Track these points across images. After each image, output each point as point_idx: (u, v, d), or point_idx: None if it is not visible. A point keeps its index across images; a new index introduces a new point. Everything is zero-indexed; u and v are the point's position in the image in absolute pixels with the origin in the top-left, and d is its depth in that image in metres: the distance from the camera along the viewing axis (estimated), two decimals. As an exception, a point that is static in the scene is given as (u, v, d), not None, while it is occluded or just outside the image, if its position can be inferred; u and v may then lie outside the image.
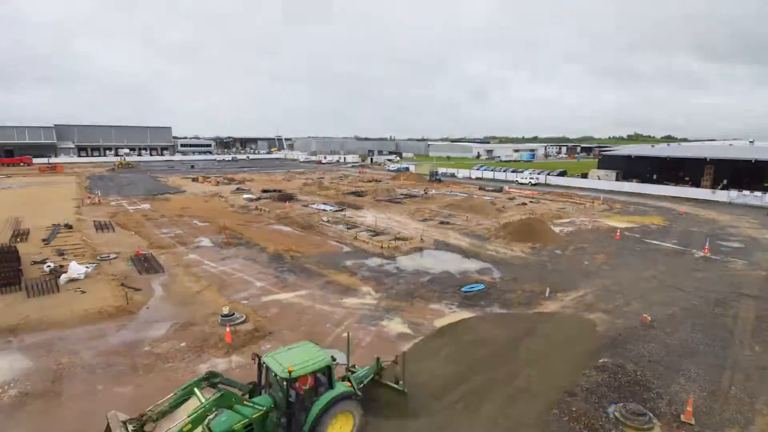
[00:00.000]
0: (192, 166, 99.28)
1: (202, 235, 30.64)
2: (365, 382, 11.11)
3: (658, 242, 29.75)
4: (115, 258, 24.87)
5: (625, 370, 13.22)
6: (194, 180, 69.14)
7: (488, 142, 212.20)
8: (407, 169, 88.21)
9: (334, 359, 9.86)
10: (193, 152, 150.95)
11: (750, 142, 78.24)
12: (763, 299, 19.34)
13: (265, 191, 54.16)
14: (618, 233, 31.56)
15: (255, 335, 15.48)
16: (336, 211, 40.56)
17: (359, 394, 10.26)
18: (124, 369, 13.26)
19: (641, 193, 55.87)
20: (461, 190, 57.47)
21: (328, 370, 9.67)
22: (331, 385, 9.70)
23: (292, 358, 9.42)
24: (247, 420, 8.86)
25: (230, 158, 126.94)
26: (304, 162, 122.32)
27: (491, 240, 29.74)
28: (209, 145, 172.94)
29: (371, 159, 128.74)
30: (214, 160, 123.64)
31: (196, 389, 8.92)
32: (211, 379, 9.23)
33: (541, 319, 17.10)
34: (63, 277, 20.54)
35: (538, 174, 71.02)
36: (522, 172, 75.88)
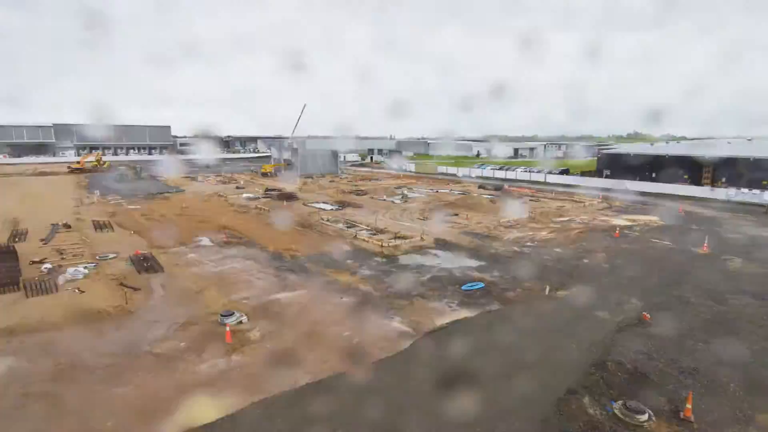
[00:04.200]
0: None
1: (202, 235, 30.59)
2: None
3: (657, 240, 29.78)
4: (114, 258, 24.83)
5: (625, 368, 13.23)
6: (193, 179, 69.13)
7: (488, 141, 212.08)
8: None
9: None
10: (191, 152, 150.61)
11: (748, 140, 78.27)
12: (761, 297, 19.37)
13: (267, 190, 54.15)
14: (617, 231, 31.59)
15: (255, 334, 15.47)
16: (336, 209, 40.56)
17: None
18: (123, 369, 13.24)
19: (641, 191, 55.90)
20: (460, 189, 57.48)
21: None
22: None
23: None
24: None
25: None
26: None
27: (491, 238, 29.75)
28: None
29: (371, 158, 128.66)
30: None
31: None
32: None
33: (540, 316, 17.12)
34: (61, 278, 20.52)
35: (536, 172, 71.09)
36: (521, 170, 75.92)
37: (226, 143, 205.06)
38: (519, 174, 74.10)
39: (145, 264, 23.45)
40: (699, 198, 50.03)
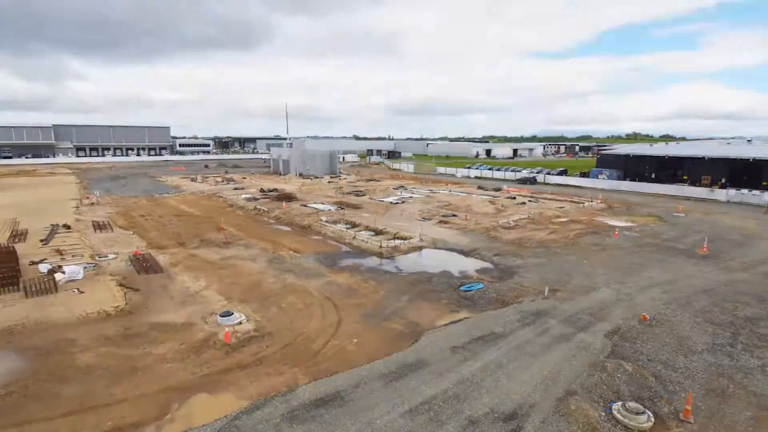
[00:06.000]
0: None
1: (201, 235, 30.60)
2: None
3: (656, 241, 29.80)
4: (113, 258, 24.83)
5: (624, 369, 13.23)
6: (193, 180, 69.16)
7: (487, 141, 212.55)
8: None
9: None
10: (192, 153, 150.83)
11: (747, 140, 78.40)
12: (760, 297, 19.39)
13: (264, 191, 54.14)
14: (616, 232, 31.61)
15: (254, 335, 15.48)
16: (335, 210, 40.55)
17: None
18: (122, 370, 13.23)
19: (640, 191, 55.97)
20: (459, 190, 57.52)
21: None
22: None
23: None
24: None
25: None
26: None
27: (491, 239, 29.76)
28: (207, 145, 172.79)
29: (370, 159, 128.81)
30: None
31: None
32: None
33: (539, 317, 17.11)
34: (61, 278, 20.48)
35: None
36: (520, 171, 76.10)
37: (225, 144, 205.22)
38: (518, 174, 74.18)
39: (145, 264, 23.45)
40: (699, 198, 50.09)
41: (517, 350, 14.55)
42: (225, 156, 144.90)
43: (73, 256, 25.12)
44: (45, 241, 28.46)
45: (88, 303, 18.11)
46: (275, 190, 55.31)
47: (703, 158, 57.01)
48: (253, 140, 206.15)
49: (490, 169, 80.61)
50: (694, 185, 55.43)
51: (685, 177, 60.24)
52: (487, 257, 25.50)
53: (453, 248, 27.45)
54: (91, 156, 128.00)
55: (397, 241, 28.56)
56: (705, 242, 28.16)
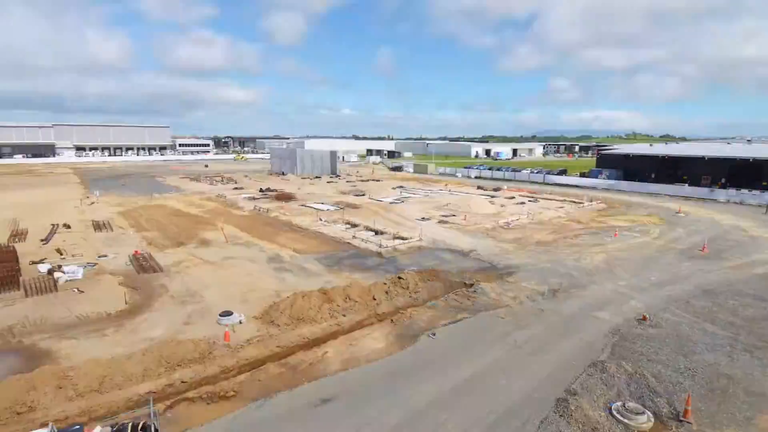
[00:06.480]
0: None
1: (201, 235, 30.59)
2: None
3: (656, 241, 29.80)
4: (113, 258, 24.82)
5: (624, 369, 13.24)
6: (192, 180, 69.16)
7: (486, 141, 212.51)
8: None
9: None
10: (192, 152, 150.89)
11: (747, 141, 78.54)
12: (759, 297, 19.40)
13: (264, 191, 54.16)
14: (616, 232, 31.61)
15: (254, 335, 15.48)
16: (334, 210, 40.54)
17: None
18: (122, 369, 13.20)
19: (640, 191, 55.97)
20: (459, 190, 57.51)
21: None
22: None
23: None
24: None
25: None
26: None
27: (490, 239, 29.75)
28: (207, 145, 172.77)
29: (369, 159, 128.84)
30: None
31: None
32: None
33: (539, 317, 17.12)
34: (61, 278, 20.48)
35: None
36: (519, 171, 76.13)
37: (225, 143, 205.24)
38: (518, 174, 74.22)
39: (144, 264, 23.45)
40: (699, 198, 50.08)
41: (517, 350, 14.56)
42: (223, 156, 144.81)
43: (73, 255, 25.12)
44: (45, 241, 28.46)
45: (87, 302, 18.11)
46: (275, 190, 55.31)
47: (703, 158, 57.01)
48: (252, 140, 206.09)
49: (489, 169, 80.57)
50: (694, 185, 55.39)
51: (685, 177, 60.21)
52: (486, 257, 25.49)
53: (452, 248, 27.44)
54: (91, 156, 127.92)
55: (397, 241, 28.54)
56: (705, 242, 28.17)
